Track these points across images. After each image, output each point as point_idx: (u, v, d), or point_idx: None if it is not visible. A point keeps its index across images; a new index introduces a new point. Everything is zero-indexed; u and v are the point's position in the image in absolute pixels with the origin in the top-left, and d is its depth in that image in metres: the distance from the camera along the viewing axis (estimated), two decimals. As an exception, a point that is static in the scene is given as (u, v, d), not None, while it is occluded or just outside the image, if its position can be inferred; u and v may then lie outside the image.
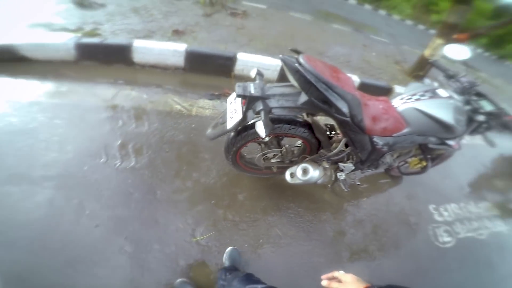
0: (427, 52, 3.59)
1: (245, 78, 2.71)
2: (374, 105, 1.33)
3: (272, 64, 2.71)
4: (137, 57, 2.45)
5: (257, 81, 1.23)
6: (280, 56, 1.13)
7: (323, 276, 0.70)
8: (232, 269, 1.30)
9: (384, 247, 1.78)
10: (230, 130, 1.29)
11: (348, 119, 1.18)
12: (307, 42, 3.86)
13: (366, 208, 1.95)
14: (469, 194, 2.54)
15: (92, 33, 2.53)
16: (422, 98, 1.44)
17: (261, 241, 1.56)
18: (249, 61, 2.66)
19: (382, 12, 9.79)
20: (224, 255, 1.42)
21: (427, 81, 1.69)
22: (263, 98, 1.16)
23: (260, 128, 1.11)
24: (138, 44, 2.40)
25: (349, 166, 1.54)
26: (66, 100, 1.95)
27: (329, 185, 1.67)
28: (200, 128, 2.01)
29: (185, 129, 1.98)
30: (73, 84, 2.11)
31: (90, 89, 2.10)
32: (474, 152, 3.02)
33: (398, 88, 3.17)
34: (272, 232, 1.61)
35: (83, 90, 2.07)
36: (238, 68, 2.68)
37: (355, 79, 2.99)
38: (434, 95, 1.46)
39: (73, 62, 2.32)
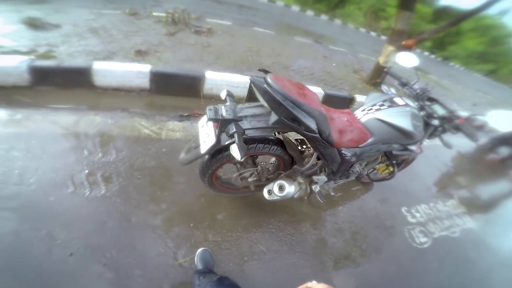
0: (381, 60, 4.06)
1: (215, 97, 2.81)
2: (339, 118, 1.44)
3: (241, 81, 2.84)
4: (99, 80, 2.42)
5: (228, 103, 1.29)
6: (249, 77, 1.20)
7: None
8: (206, 271, 1.33)
9: (366, 252, 1.92)
10: (204, 155, 1.33)
11: (317, 135, 1.26)
12: (272, 57, 4.13)
13: (343, 216, 2.11)
14: (436, 194, 2.81)
15: (46, 55, 2.46)
16: (382, 108, 1.57)
17: (246, 258, 1.61)
18: (217, 80, 2.76)
19: (338, 21, 10.85)
20: (195, 258, 1.46)
21: (384, 87, 1.89)
22: (236, 120, 1.20)
23: (235, 151, 1.13)
24: (99, 66, 2.38)
25: (322, 178, 1.67)
26: (22, 129, 1.87)
27: (305, 198, 1.79)
28: (171, 152, 2.03)
29: (155, 154, 1.99)
30: (29, 111, 2.03)
31: (49, 116, 2.03)
32: (435, 152, 3.43)
33: (359, 97, 3.52)
34: (255, 249, 1.67)
35: (41, 118, 1.99)
36: (207, 87, 2.76)
37: (320, 91, 3.26)
38: (392, 104, 1.59)
39: (28, 87, 2.23)
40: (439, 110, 1.69)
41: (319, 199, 1.69)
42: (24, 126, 1.90)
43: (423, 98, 1.72)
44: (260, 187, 1.73)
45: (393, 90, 1.84)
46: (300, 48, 5.23)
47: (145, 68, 2.53)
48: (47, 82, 2.30)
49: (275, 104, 1.15)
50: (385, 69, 2.06)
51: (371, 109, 1.58)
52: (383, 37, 10.69)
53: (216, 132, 1.23)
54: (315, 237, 1.88)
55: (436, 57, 13.12)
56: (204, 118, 1.36)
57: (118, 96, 2.49)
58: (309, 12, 10.42)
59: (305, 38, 6.17)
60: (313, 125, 1.22)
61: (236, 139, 1.14)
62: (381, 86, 1.97)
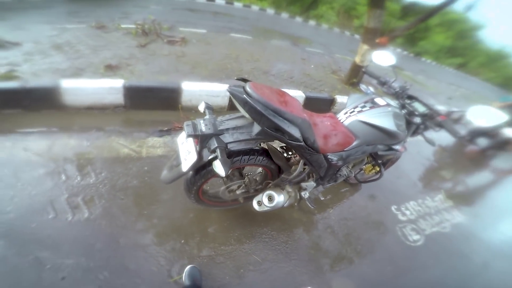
0: (357, 59, 4.30)
1: (195, 109, 2.85)
2: (323, 123, 1.47)
3: (221, 90, 2.92)
4: (69, 99, 2.39)
5: (207, 116, 1.30)
6: (227, 88, 1.19)
7: None
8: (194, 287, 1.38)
9: (361, 254, 2.00)
10: (186, 173, 1.34)
11: (301, 143, 1.28)
12: (251, 62, 4.26)
13: (334, 219, 2.20)
14: (423, 189, 2.97)
15: (8, 76, 2.40)
16: (364, 109, 1.62)
17: (241, 270, 1.64)
18: (196, 90, 2.82)
19: (312, 22, 11.37)
20: (183, 275, 1.49)
21: (362, 86, 1.97)
22: (216, 134, 1.20)
23: (219, 168, 1.12)
24: (67, 85, 2.35)
25: (310, 184, 1.71)
26: None
27: (295, 204, 1.85)
28: (154, 170, 2.04)
29: (137, 174, 1.99)
30: None
31: (19, 143, 1.99)
32: (417, 148, 3.64)
33: (340, 98, 3.72)
34: (250, 260, 1.71)
35: (10, 145, 1.96)
36: (185, 99, 2.80)
37: (301, 94, 3.41)
38: (373, 104, 1.64)
39: None
40: (420, 108, 1.76)
41: (310, 205, 1.75)
42: (-7, 156, 1.86)
43: (403, 96, 1.80)
44: (249, 198, 1.78)
45: (371, 89, 1.93)
46: (278, 51, 5.42)
47: (118, 83, 2.53)
48: (12, 105, 2.25)
49: (256, 114, 1.15)
50: (362, 69, 2.18)
51: (353, 111, 1.64)
52: (357, 36, 11.32)
53: (197, 149, 1.24)
54: (309, 242, 1.95)
55: (409, 53, 13.97)
56: (183, 135, 1.36)
57: (92, 115, 2.47)
58: (284, 15, 10.83)
59: (282, 41, 6.40)
60: (297, 133, 1.23)
61: (219, 154, 1.14)
62: (359, 85, 2.06)
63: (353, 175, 2.00)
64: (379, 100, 1.69)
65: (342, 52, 7.25)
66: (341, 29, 11.93)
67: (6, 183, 1.73)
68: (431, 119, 1.74)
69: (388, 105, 1.66)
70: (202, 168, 1.40)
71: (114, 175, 1.94)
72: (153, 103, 2.72)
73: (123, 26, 4.24)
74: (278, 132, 1.21)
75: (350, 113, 1.64)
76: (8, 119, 2.19)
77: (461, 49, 15.53)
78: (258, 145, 1.48)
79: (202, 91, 2.85)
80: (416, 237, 2.30)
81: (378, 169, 2.14)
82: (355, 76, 4.38)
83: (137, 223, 1.70)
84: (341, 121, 1.63)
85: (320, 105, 3.70)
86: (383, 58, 1.88)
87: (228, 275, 1.61)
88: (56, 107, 2.38)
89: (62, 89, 2.34)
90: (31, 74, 2.52)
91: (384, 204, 2.53)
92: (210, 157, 1.26)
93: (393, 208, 2.53)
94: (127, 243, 1.59)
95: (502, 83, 16.22)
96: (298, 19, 11.16)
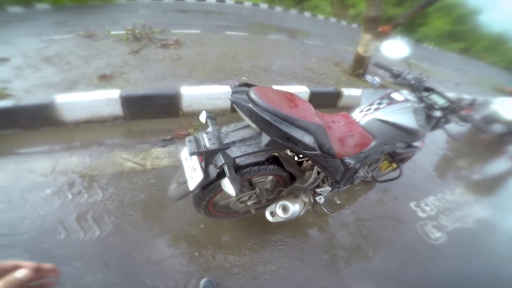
0: (360, 49, 4.31)
1: (196, 114, 2.85)
2: (337, 125, 1.43)
3: (221, 92, 2.93)
4: (66, 114, 2.41)
5: (210, 129, 1.26)
6: (229, 97, 1.12)
7: None
8: None
9: (381, 255, 2.00)
10: (193, 191, 1.31)
11: (317, 152, 1.20)
12: (250, 60, 4.28)
13: (351, 220, 2.20)
14: (441, 183, 2.97)
15: (1, 94, 2.44)
16: (381, 106, 1.57)
17: (258, 281, 1.66)
18: (195, 95, 2.84)
19: (307, 14, 11.40)
20: None
21: (368, 77, 1.93)
22: (222, 149, 1.16)
23: (229, 187, 1.06)
24: (62, 100, 2.37)
25: (326, 189, 1.68)
26: None
27: (309, 207, 1.84)
28: (160, 182, 2.07)
29: (144, 187, 2.02)
30: (0, 161, 2.05)
31: (23, 164, 2.05)
32: (431, 137, 3.61)
33: (346, 91, 3.73)
34: (267, 269, 1.73)
35: (14, 167, 2.01)
36: (186, 104, 2.83)
37: (305, 90, 3.43)
38: (391, 101, 1.59)
39: None
40: (439, 100, 1.71)
41: (326, 210, 1.75)
42: (-1, 179, 1.91)
43: (419, 88, 1.75)
44: (262, 208, 1.78)
45: (378, 79, 1.90)
46: (276, 46, 5.44)
47: (114, 93, 2.55)
48: (9, 125, 2.28)
49: (265, 124, 1.08)
50: (372, 63, 2.16)
51: (369, 108, 1.59)
52: (354, 25, 11.35)
53: (203, 165, 1.20)
54: (326, 246, 1.96)
55: (409, 39, 13.98)
56: (186, 151, 1.31)
57: (92, 128, 2.50)
58: (278, 8, 10.87)
59: (279, 35, 6.43)
60: (312, 142, 1.16)
61: (227, 171, 1.09)
62: (365, 76, 2.02)
63: (370, 175, 1.97)
64: (396, 95, 1.65)
65: (342, 43, 7.27)
66: (337, 19, 11.95)
67: (15, 206, 1.78)
68: (453, 113, 1.69)
69: (406, 100, 1.62)
70: (210, 183, 1.37)
71: (121, 191, 1.97)
72: (153, 112, 2.74)
73: (113, 32, 4.28)
74: (290, 141, 1.14)
75: (366, 111, 1.60)
76: (7, 139, 2.23)
77: (462, 34, 15.57)
78: (269, 155, 1.42)
79: (202, 94, 2.87)
80: (438, 234, 2.29)
81: (395, 165, 2.13)
82: (360, 67, 4.40)
83: (149, 238, 1.73)
84: (357, 120, 1.59)
85: (326, 99, 3.73)
86: (395, 49, 1.80)
87: (245, 286, 1.63)
88: (54, 123, 2.40)
89: (57, 105, 2.36)
90: (24, 91, 2.55)
91: (402, 201, 2.53)
92: (217, 172, 1.23)
93: (412, 204, 2.52)
94: (142, 259, 1.63)
95: (507, 66, 16.27)
96: (293, 11, 11.20)
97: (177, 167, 2.15)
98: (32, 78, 2.79)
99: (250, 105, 1.06)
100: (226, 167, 1.10)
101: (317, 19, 11.44)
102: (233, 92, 1.16)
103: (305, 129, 1.15)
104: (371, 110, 1.59)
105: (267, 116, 1.06)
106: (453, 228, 2.40)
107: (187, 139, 1.18)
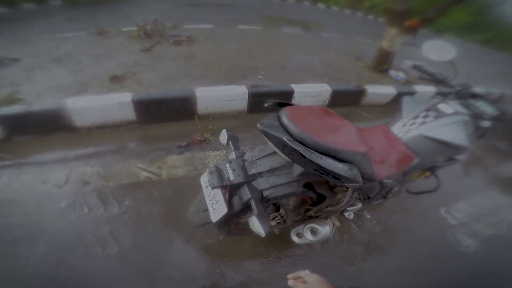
0: (385, 44, 3.99)
1: (212, 116, 2.72)
2: (378, 144, 1.31)
3: (238, 93, 2.75)
4: (78, 120, 2.30)
5: (232, 155, 1.14)
6: (258, 125, 0.95)
7: (289, 276, 0.78)
8: None
9: (411, 267, 1.86)
10: (216, 222, 1.19)
11: (360, 183, 1.04)
12: (265, 56, 4.05)
13: (378, 230, 2.03)
14: (471, 185, 2.75)
15: (12, 99, 2.33)
16: (427, 120, 1.42)
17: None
18: (211, 96, 2.66)
19: (321, 5, 10.96)
20: None
21: (392, 73, 1.78)
22: (248, 181, 1.05)
23: (257, 226, 0.95)
24: (73, 105, 2.25)
25: (357, 207, 1.56)
26: (13, 195, 1.83)
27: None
28: (177, 193, 1.95)
29: (161, 199, 1.91)
30: (14, 171, 1.99)
31: (37, 175, 1.98)
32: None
33: (370, 88, 3.46)
34: (287, 286, 1.60)
35: (28, 178, 1.95)
36: (201, 107, 2.66)
37: (327, 88, 3.20)
38: (438, 113, 1.44)
39: (5, 140, 2.19)
40: (487, 109, 1.55)
41: (355, 227, 1.60)
42: (14, 192, 1.86)
43: (466, 95, 1.59)
44: (287, 227, 1.64)
45: (402, 75, 1.73)
46: (291, 40, 5.18)
47: (126, 97, 2.41)
48: (23, 131, 2.21)
49: (300, 159, 0.92)
50: (413, 66, 1.96)
51: (414, 123, 1.44)
52: (370, 17, 10.82)
53: (226, 197, 1.08)
54: (351, 259, 1.83)
55: (428, 31, 13.39)
56: (206, 177, 1.16)
57: (105, 134, 2.39)
58: (291, 0, 10.46)
59: (293, 28, 6.14)
60: (356, 175, 1.00)
61: (254, 208, 0.97)
62: (389, 72, 1.85)
63: (404, 188, 1.84)
64: (445, 107, 1.48)
65: (360, 35, 6.88)
66: (352, 11, 11.47)
67: (32, 219, 1.72)
68: (503, 122, 1.53)
69: (456, 113, 1.45)
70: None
71: (137, 203, 1.87)
72: (167, 115, 2.60)
73: (124, 29, 4.13)
74: (329, 174, 0.97)
75: (410, 125, 1.44)
76: (21, 147, 2.18)
77: (484, 25, 14.95)
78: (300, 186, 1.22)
79: (217, 96, 2.69)
80: (469, 241, 2.13)
81: (428, 173, 1.93)
82: (384, 63, 4.09)
83: (168, 253, 1.66)
84: (399, 135, 1.43)
85: (349, 97, 3.48)
86: (438, 50, 1.61)
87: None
88: (67, 129, 2.31)
89: (68, 110, 2.25)
90: (34, 95, 2.44)
91: (432, 207, 2.36)
92: (242, 203, 1.10)
93: (443, 211, 2.34)
94: (162, 275, 1.57)
95: (534, 57, 15.54)
96: (306, 3, 10.77)
97: (195, 178, 2.02)
98: (42, 81, 2.68)
99: (284, 138, 0.90)
100: (253, 202, 0.99)
101: (332, 10, 10.99)
102: (261, 121, 0.97)
103: (349, 161, 0.99)
104: (416, 124, 1.43)
105: (303, 151, 0.90)
106: (486, 235, 2.23)
107: (208, 169, 1.06)
